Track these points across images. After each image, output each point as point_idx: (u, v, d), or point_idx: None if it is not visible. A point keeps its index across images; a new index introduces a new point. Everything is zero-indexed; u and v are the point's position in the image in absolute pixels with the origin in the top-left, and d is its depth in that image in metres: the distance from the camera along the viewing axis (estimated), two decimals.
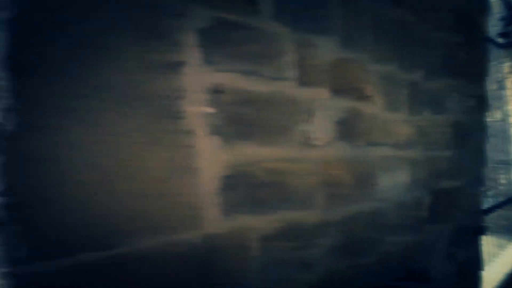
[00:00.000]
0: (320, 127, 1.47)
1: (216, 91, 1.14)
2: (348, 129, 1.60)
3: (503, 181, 6.11)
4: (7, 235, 0.86)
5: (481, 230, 2.70)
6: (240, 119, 1.19)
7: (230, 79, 1.17)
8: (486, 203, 4.23)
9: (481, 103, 2.72)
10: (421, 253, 2.11)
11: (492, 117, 6.06)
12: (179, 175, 1.06)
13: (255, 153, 1.23)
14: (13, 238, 0.86)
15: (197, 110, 1.10)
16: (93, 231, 0.93)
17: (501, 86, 6.01)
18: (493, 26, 5.46)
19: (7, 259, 0.86)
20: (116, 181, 0.96)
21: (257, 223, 1.24)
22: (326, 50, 1.51)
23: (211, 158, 1.13)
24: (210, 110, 1.12)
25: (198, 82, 1.11)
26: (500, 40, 5.62)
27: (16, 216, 0.86)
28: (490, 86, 5.98)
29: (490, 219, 4.87)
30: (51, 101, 0.89)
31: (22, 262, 0.87)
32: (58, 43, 0.90)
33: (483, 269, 2.78)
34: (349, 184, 1.61)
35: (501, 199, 5.56)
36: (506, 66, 5.93)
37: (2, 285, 0.88)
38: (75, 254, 0.91)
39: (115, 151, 0.96)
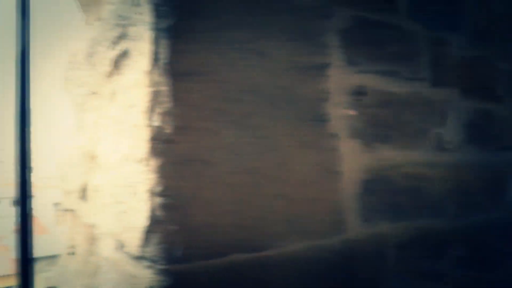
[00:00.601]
0: (451, 130, 1.38)
1: (358, 93, 1.10)
2: (477, 132, 1.49)
3: None
4: (164, 234, 0.88)
5: None
6: (380, 122, 1.15)
7: (371, 80, 1.13)
8: None
9: None
10: None
11: None
12: (323, 179, 1.03)
13: (393, 157, 1.17)
14: (169, 237, 0.88)
15: (340, 112, 1.07)
16: (243, 233, 0.93)
17: None
18: None
19: (163, 257, 0.88)
20: (266, 184, 0.95)
21: (393, 230, 1.18)
22: (456, 48, 1.41)
23: (351, 162, 1.09)
24: (352, 112, 1.09)
25: (341, 84, 1.08)
26: None
27: (172, 217, 0.88)
28: None
29: None
30: (206, 104, 0.90)
31: (178, 260, 0.88)
32: (213, 48, 0.91)
33: None
34: (478, 191, 1.50)
35: None
36: None
37: (158, 282, 0.90)
38: (226, 254, 0.92)
39: (265, 154, 0.95)
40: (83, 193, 1.16)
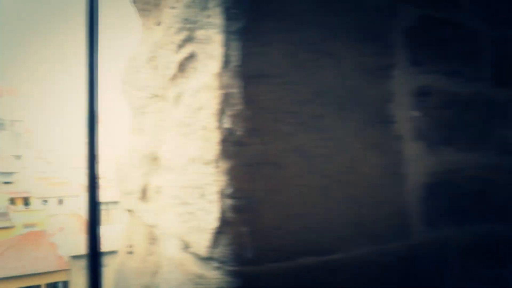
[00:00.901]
0: None
1: (422, 93, 1.08)
2: None
3: None
4: (234, 236, 0.88)
5: None
6: (443, 123, 1.12)
7: (435, 80, 1.10)
8: None
9: None
10: None
11: None
12: (388, 182, 1.02)
13: (457, 159, 1.14)
14: (239, 239, 0.88)
15: (404, 114, 1.05)
16: (311, 236, 0.93)
17: None
18: None
19: (233, 258, 0.88)
20: (334, 186, 0.94)
21: (457, 236, 1.15)
22: None
23: (415, 164, 1.07)
24: (416, 113, 1.07)
25: (405, 85, 1.06)
26: None
27: (243, 218, 0.88)
28: None
29: None
30: (277, 106, 0.90)
31: (247, 262, 0.88)
32: (283, 50, 0.91)
33: None
34: None
35: None
36: None
37: (227, 283, 0.90)
38: (295, 257, 0.91)
39: (334, 156, 0.94)
40: (143, 194, 1.18)
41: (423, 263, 1.08)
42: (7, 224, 29.93)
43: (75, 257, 24.71)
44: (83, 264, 25.45)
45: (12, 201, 33.10)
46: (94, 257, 0.95)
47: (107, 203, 31.78)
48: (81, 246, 25.72)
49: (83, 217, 31.79)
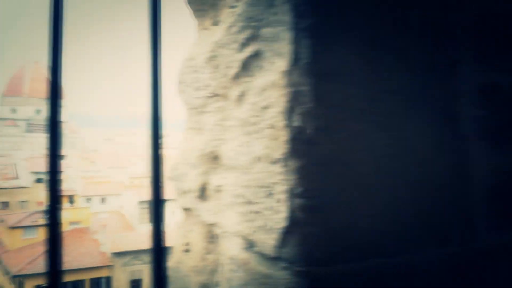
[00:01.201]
0: None
1: (488, 91, 1.04)
2: None
3: None
4: (304, 235, 0.87)
5: None
6: (510, 122, 1.07)
7: (501, 77, 1.06)
8: None
9: None
10: None
11: None
12: (454, 183, 0.98)
13: None
14: (309, 239, 0.87)
15: (471, 112, 1.01)
16: (379, 237, 0.90)
17: None
18: None
19: (302, 258, 0.87)
20: (403, 186, 0.92)
21: None
22: None
23: (482, 164, 1.02)
24: (482, 112, 1.02)
25: (471, 82, 1.02)
26: None
27: (313, 218, 0.86)
28: None
29: None
30: (347, 105, 0.88)
31: (317, 262, 0.87)
32: (352, 47, 0.89)
33: None
34: None
35: None
36: None
37: (295, 283, 0.89)
38: (363, 258, 0.89)
39: (401, 156, 0.92)
40: (202, 193, 1.18)
41: (489, 267, 1.04)
42: None
43: (117, 254, 25.42)
44: (124, 261, 26.21)
45: None
46: (158, 253, 0.95)
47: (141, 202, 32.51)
48: (122, 243, 26.46)
49: (124, 215, 32.72)
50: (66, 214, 31.56)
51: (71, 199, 35.53)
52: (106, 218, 31.78)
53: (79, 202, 34.93)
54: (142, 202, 32.49)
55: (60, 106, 0.91)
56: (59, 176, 0.88)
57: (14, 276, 25.20)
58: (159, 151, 1.01)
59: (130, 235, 28.91)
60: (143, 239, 27.45)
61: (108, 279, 26.49)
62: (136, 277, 27.21)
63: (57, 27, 0.94)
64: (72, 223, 30.71)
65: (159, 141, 1.01)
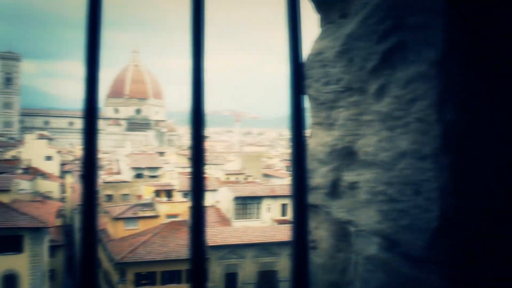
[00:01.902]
0: None
1: None
2: None
3: None
4: (457, 236, 0.81)
5: None
6: None
7: None
8: None
9: None
10: None
11: None
12: None
13: None
14: (462, 239, 0.81)
15: None
16: None
17: None
18: None
19: (454, 260, 0.81)
20: None
21: None
22: None
23: None
24: None
25: None
26: None
27: (466, 217, 0.81)
28: None
29: None
30: (502, 97, 0.80)
31: (469, 264, 0.81)
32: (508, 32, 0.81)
33: None
34: None
35: None
36: None
37: (445, 286, 0.84)
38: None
39: None
40: (333, 189, 1.17)
41: None
42: (153, 213, 33.35)
43: (213, 247, 26.43)
44: (220, 254, 27.17)
45: (157, 193, 36.71)
46: (302, 250, 0.95)
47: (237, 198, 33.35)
48: (218, 237, 27.46)
49: (221, 209, 33.90)
50: (164, 208, 33.55)
51: (169, 193, 37.62)
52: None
53: (177, 196, 36.89)
54: (237, 198, 33.39)
55: (204, 116, 0.88)
56: (203, 184, 0.88)
57: (117, 264, 27.35)
58: (303, 148, 0.99)
59: (226, 230, 29.88)
60: (239, 234, 28.28)
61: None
62: (231, 271, 28.07)
63: (198, 29, 0.95)
64: (169, 216, 32.53)
65: (302, 138, 0.99)
